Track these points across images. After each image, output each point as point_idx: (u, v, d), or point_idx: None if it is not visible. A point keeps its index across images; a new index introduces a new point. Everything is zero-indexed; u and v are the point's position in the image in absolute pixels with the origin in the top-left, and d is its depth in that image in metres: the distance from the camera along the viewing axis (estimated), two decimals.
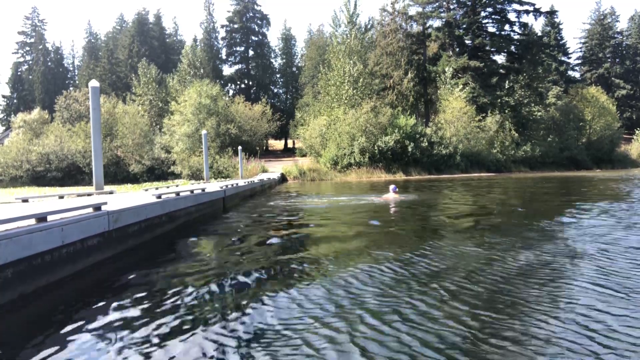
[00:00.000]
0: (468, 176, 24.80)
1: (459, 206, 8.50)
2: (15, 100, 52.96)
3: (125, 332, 2.03)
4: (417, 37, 36.62)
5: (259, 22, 49.68)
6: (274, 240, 4.59)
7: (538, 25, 57.59)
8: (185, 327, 2.09)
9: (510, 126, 32.91)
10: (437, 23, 37.45)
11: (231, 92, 46.76)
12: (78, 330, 2.07)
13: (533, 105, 36.58)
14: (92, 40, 57.82)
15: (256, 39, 49.41)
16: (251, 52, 49.30)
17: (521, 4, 36.23)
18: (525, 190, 13.21)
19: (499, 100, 33.57)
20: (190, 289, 2.73)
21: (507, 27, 37.23)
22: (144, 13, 53.86)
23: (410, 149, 25.48)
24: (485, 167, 29.33)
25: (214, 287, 2.79)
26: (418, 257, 3.52)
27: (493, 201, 9.35)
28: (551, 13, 47.67)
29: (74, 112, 33.40)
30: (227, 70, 49.91)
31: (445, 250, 3.82)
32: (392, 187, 9.90)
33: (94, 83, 6.69)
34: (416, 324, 2.03)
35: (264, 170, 23.82)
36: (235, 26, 48.30)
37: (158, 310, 2.35)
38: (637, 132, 46.01)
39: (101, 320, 2.19)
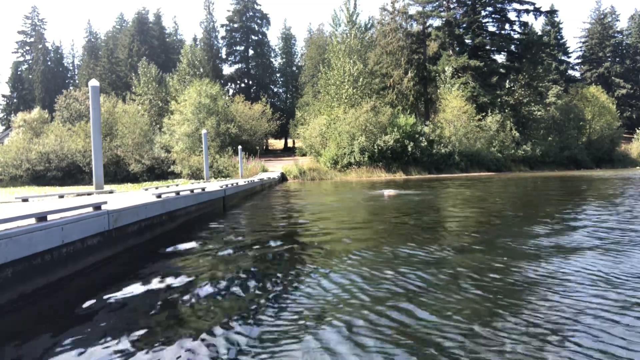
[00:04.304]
0: (468, 175, 24.79)
1: (461, 204, 8.49)
2: (15, 100, 52.94)
3: (125, 332, 2.02)
4: (417, 36, 36.62)
5: (258, 21, 49.67)
6: (274, 239, 4.59)
7: (538, 24, 57.75)
8: (186, 327, 2.09)
9: (511, 125, 32.89)
10: (437, 22, 37.56)
11: (231, 91, 46.75)
12: (78, 330, 2.07)
13: (533, 104, 36.58)
14: (92, 40, 57.77)
15: (256, 38, 49.39)
16: (251, 52, 49.28)
17: (521, 3, 36.25)
18: (526, 188, 13.21)
19: (499, 100, 33.58)
20: (190, 289, 2.72)
21: (507, 26, 37.31)
22: (143, 12, 53.82)
23: (410, 149, 25.47)
24: (485, 166, 29.32)
25: (214, 286, 2.79)
26: (422, 255, 3.52)
27: (493, 200, 9.34)
28: (551, 12, 47.69)
29: (74, 112, 33.35)
30: (227, 69, 49.96)
31: (448, 247, 3.82)
32: (385, 191, 11.34)
33: (93, 82, 6.68)
34: (417, 327, 2.03)
35: (264, 170, 23.82)
36: (235, 25, 48.29)
37: (158, 310, 2.35)
38: (637, 131, 45.99)
39: (101, 320, 2.19)
